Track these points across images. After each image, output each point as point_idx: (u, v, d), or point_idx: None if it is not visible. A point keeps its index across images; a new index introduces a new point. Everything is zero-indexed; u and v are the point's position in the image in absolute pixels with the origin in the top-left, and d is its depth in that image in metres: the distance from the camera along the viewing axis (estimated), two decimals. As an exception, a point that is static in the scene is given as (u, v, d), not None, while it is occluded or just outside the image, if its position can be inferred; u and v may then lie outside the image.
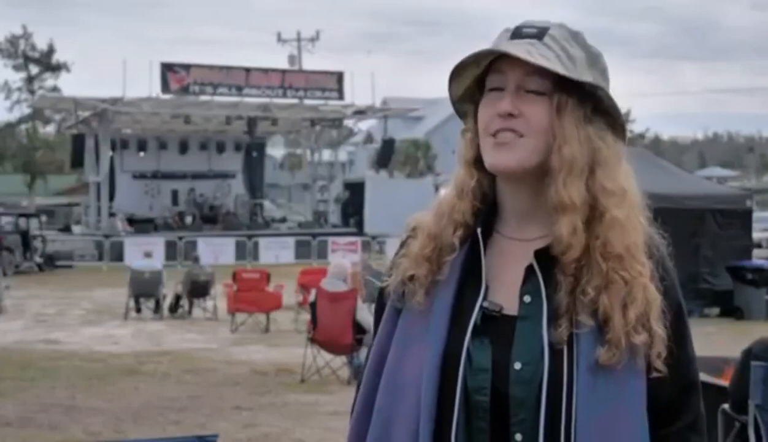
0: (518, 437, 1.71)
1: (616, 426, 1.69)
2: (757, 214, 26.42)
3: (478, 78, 1.82)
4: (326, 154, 46.94)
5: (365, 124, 59.02)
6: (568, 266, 1.73)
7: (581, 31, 1.81)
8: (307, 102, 38.69)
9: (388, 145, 40.18)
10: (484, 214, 1.82)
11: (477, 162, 1.83)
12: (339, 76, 39.23)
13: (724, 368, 6.87)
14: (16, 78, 54.73)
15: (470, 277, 1.80)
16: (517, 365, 1.71)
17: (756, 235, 23.66)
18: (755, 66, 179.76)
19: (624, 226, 1.75)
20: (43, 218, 37.19)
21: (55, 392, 11.11)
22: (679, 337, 1.78)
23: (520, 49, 1.73)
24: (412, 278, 1.81)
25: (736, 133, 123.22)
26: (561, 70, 1.73)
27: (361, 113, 40.76)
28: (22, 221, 32.14)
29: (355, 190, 42.47)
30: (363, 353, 11.88)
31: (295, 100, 38.40)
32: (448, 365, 1.74)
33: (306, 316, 13.82)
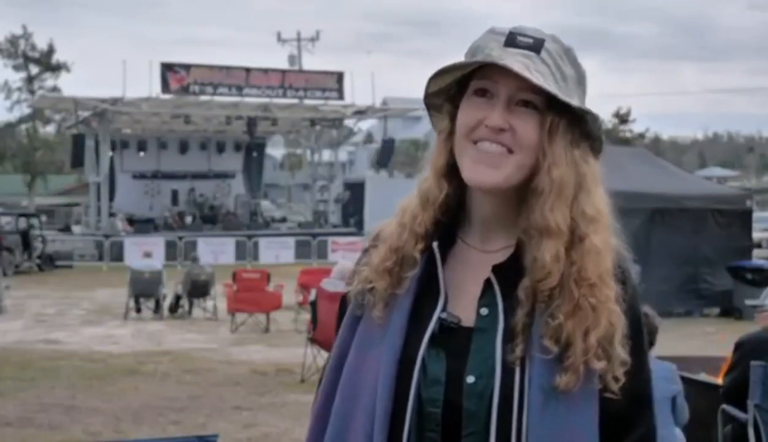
0: None
1: None
2: (757, 215, 26.43)
3: (460, 77, 1.77)
4: (326, 154, 46.85)
5: (365, 124, 59.08)
6: (543, 292, 1.69)
7: (572, 46, 1.77)
8: (307, 102, 38.66)
9: (388, 145, 40.16)
10: (445, 226, 1.79)
11: (448, 170, 1.78)
12: (339, 76, 39.20)
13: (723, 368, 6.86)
14: (16, 78, 54.59)
15: (430, 287, 1.78)
16: (470, 379, 1.69)
17: (756, 235, 23.66)
18: (755, 66, 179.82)
19: (600, 252, 1.71)
20: (43, 218, 37.17)
21: (55, 392, 11.12)
22: (635, 348, 1.74)
23: (519, 63, 1.68)
24: (372, 289, 1.79)
25: (736, 133, 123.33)
26: (558, 91, 1.69)
27: (361, 113, 40.73)
28: (22, 221, 32.14)
29: (355, 190, 42.44)
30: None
31: (295, 100, 38.37)
32: (404, 374, 1.73)
33: (306, 316, 13.82)
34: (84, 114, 37.41)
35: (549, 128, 1.70)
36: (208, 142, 41.88)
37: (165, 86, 36.09)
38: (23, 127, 56.77)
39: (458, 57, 1.78)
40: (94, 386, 11.60)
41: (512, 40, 1.72)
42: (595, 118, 1.74)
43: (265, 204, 45.04)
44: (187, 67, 37.24)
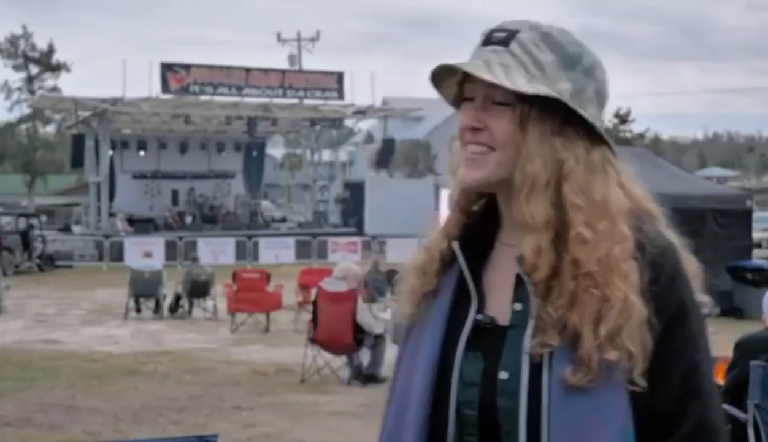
0: None
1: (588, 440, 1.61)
2: (757, 215, 26.43)
3: (461, 83, 1.78)
4: (326, 154, 46.91)
5: (365, 124, 58.97)
6: (537, 285, 1.67)
7: (553, 31, 1.72)
8: (307, 102, 38.69)
9: (388, 145, 40.18)
10: (475, 229, 1.80)
11: None
12: (339, 76, 39.24)
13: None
14: (16, 78, 54.63)
15: (464, 290, 1.78)
16: (504, 375, 1.68)
17: (756, 235, 23.66)
18: (755, 66, 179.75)
19: (588, 241, 1.65)
20: (43, 218, 37.17)
21: (55, 392, 11.11)
22: (676, 339, 1.67)
23: (481, 62, 1.69)
24: (411, 289, 1.83)
25: (736, 133, 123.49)
26: (524, 83, 1.67)
27: (361, 113, 40.75)
28: (22, 221, 32.14)
29: (355, 191, 42.45)
30: (363, 353, 11.89)
31: (295, 100, 38.40)
32: (442, 380, 1.74)
33: (306, 316, 13.82)
34: (84, 114, 37.44)
35: (519, 119, 1.69)
36: (208, 142, 41.91)
37: (165, 86, 36.10)
38: (23, 127, 56.79)
39: (457, 56, 1.78)
40: (94, 386, 11.60)
41: (488, 37, 1.74)
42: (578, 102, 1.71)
43: (265, 204, 45.05)
44: (187, 67, 37.26)
